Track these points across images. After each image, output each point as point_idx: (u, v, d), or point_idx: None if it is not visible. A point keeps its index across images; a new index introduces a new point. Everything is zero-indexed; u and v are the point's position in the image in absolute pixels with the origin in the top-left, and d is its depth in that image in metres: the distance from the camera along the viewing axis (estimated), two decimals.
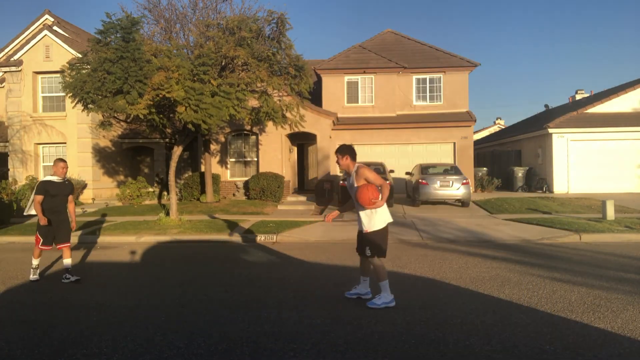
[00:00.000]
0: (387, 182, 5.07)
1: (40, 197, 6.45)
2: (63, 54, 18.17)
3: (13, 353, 3.96)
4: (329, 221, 5.28)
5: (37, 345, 4.11)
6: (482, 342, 4.03)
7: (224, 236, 10.67)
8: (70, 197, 6.84)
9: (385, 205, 5.10)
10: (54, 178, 6.63)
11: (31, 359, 3.83)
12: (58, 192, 6.62)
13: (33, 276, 6.65)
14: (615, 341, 4.02)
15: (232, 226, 11.65)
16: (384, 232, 5.06)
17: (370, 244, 5.03)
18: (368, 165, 17.05)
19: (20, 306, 5.39)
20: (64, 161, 6.70)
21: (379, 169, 16.53)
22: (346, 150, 5.21)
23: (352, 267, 7.30)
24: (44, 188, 6.50)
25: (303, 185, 22.34)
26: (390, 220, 5.14)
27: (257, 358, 3.77)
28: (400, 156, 20.75)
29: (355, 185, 5.05)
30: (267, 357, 3.78)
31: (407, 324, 4.52)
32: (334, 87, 21.18)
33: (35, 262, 6.67)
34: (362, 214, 5.10)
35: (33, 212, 6.64)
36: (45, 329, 4.54)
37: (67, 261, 6.65)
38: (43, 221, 6.35)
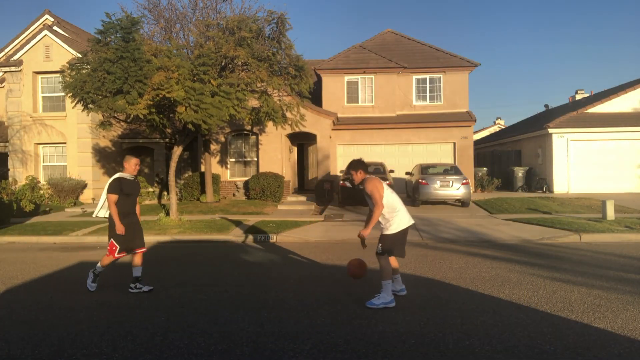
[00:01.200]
0: (383, 197, 5.12)
1: (115, 197, 5.73)
2: (63, 54, 18.18)
3: (13, 353, 3.96)
4: (365, 236, 5.33)
5: (37, 345, 4.11)
6: (482, 342, 4.03)
7: (224, 236, 10.67)
8: (137, 198, 6.21)
9: (401, 212, 5.28)
10: (127, 175, 5.93)
11: (31, 359, 3.83)
12: (132, 191, 5.94)
13: (92, 283, 5.93)
14: (615, 341, 4.02)
15: (232, 226, 11.65)
16: (395, 236, 5.24)
17: (381, 244, 5.25)
18: (367, 165, 17.16)
19: (20, 306, 5.39)
20: (136, 157, 6.10)
21: (379, 169, 16.54)
22: (358, 165, 5.46)
23: None
24: (119, 186, 5.77)
25: (303, 185, 22.34)
26: (404, 226, 5.27)
27: (257, 358, 3.77)
28: (400, 156, 20.75)
29: (368, 193, 5.28)
30: (267, 357, 3.78)
31: (407, 324, 4.52)
32: (334, 87, 21.18)
33: (100, 268, 5.96)
34: (380, 219, 5.32)
35: (102, 214, 5.99)
36: (45, 329, 4.54)
37: (139, 269, 5.98)
38: (120, 228, 5.69)
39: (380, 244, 5.25)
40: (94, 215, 6.13)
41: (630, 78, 46.43)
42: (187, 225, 11.86)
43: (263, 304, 5.29)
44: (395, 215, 5.24)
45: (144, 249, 6.08)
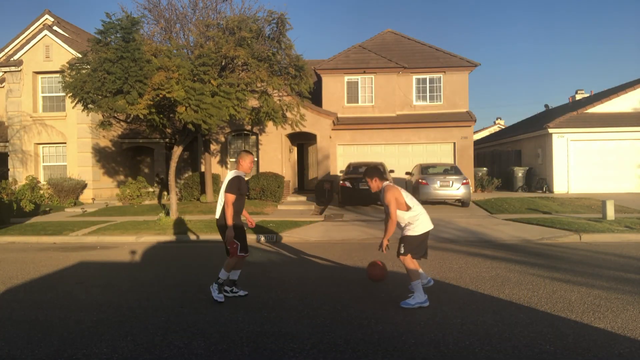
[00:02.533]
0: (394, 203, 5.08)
1: (233, 197, 5.30)
2: (63, 54, 18.18)
3: (13, 353, 3.96)
4: (385, 251, 5.23)
5: (37, 345, 4.11)
6: (482, 342, 4.03)
7: None
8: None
9: (422, 215, 5.22)
10: (242, 174, 5.49)
11: (31, 359, 3.83)
12: (245, 191, 5.57)
13: (219, 294, 5.36)
14: (615, 341, 4.02)
15: None
16: (418, 238, 5.20)
17: (404, 244, 5.19)
18: (367, 165, 17.21)
19: (20, 306, 5.39)
20: (252, 154, 5.70)
21: (379, 168, 16.53)
22: (374, 173, 5.37)
23: (351, 267, 7.30)
24: (238, 185, 5.36)
25: (303, 185, 22.34)
26: (427, 229, 5.23)
27: (257, 358, 3.77)
28: (400, 156, 20.75)
29: (385, 203, 5.19)
30: (267, 357, 3.78)
31: (407, 324, 4.52)
32: (334, 87, 21.18)
33: (225, 274, 5.40)
34: (400, 222, 5.29)
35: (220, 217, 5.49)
36: (45, 329, 4.54)
37: (237, 273, 5.66)
38: (231, 234, 5.28)
39: (402, 244, 5.18)
40: (216, 217, 5.55)
41: (630, 78, 46.45)
42: (187, 225, 11.86)
43: (263, 304, 5.29)
44: (417, 218, 5.17)
45: (248, 254, 5.62)
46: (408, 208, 5.16)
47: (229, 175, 5.44)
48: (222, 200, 5.39)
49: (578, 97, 30.92)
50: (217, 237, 10.70)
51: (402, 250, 5.15)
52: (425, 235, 5.25)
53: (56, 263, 8.04)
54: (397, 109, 21.16)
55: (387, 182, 5.33)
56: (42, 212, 15.66)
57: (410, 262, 5.13)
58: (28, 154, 18.80)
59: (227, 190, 5.31)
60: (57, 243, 10.55)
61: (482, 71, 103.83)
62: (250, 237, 10.40)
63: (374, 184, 5.32)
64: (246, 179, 5.64)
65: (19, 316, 5.01)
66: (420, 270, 5.37)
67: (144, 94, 10.72)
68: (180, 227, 11.57)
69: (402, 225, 5.23)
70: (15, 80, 18.67)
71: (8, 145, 19.03)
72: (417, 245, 5.19)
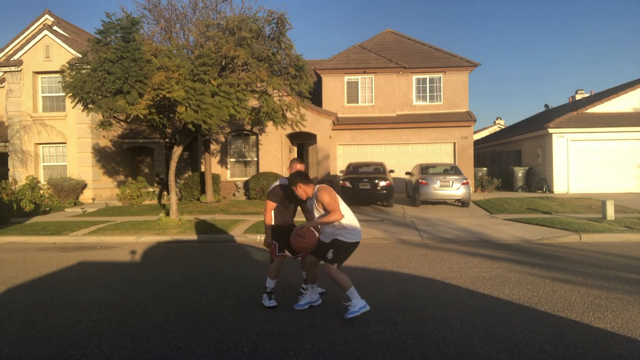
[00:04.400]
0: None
1: (273, 205, 5.23)
2: (63, 54, 18.18)
3: (13, 353, 3.96)
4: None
5: (37, 345, 4.11)
6: (482, 342, 4.03)
7: (224, 236, 10.67)
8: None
9: (355, 224, 4.81)
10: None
11: (31, 359, 3.83)
12: (292, 200, 5.32)
13: (270, 301, 5.20)
14: (615, 341, 4.02)
15: (232, 226, 11.64)
16: (352, 247, 4.82)
17: (333, 250, 4.73)
18: (367, 165, 17.23)
19: (20, 306, 5.39)
20: (302, 162, 5.53)
21: (379, 169, 16.54)
22: (297, 179, 4.86)
23: (351, 267, 7.29)
24: (280, 193, 5.23)
25: None
26: (355, 240, 4.79)
27: (257, 358, 3.77)
28: (400, 156, 20.76)
29: (324, 202, 4.70)
30: (267, 357, 3.78)
31: (407, 324, 4.52)
32: (334, 87, 21.18)
33: (271, 283, 5.24)
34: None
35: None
36: (45, 329, 4.54)
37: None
38: (268, 239, 5.28)
39: (332, 250, 4.70)
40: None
41: (630, 78, 46.45)
42: (187, 225, 11.87)
43: (263, 304, 5.28)
44: (352, 224, 4.78)
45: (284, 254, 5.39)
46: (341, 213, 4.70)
47: (275, 182, 5.35)
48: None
49: (578, 97, 30.92)
50: (217, 237, 10.72)
51: (330, 257, 4.68)
52: (356, 246, 4.83)
53: (56, 263, 8.03)
54: (397, 109, 21.17)
55: (321, 184, 4.88)
56: (42, 212, 15.65)
57: (336, 272, 4.65)
58: (28, 154, 18.80)
59: (267, 197, 5.31)
60: (57, 243, 10.55)
61: (482, 71, 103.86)
62: (251, 237, 10.40)
63: (300, 191, 4.84)
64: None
65: (19, 316, 5.01)
66: (316, 285, 5.12)
67: (144, 94, 10.72)
68: (180, 227, 11.57)
69: (336, 226, 4.73)
70: (15, 80, 18.67)
71: (8, 145, 19.03)
72: (346, 255, 4.81)
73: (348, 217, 4.78)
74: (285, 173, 18.76)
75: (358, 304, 4.62)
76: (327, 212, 4.70)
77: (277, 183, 5.31)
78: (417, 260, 7.76)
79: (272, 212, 5.28)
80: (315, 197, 4.77)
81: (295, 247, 4.76)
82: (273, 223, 5.28)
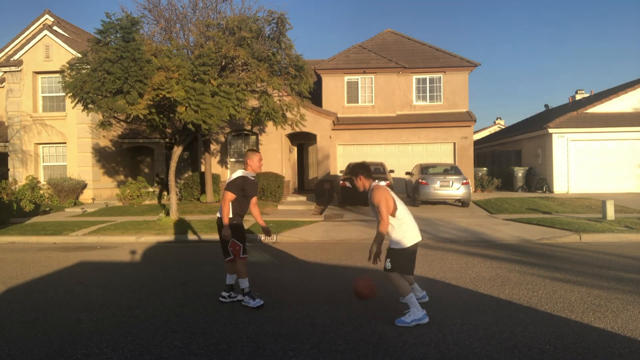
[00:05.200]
0: (385, 182, 4.82)
1: (232, 196, 5.12)
2: (63, 54, 18.18)
3: (13, 353, 3.96)
4: (375, 262, 4.66)
5: (37, 345, 4.11)
6: (482, 342, 4.03)
7: None
8: (255, 199, 5.51)
9: (410, 225, 4.66)
10: (250, 174, 5.28)
11: (31, 359, 3.83)
12: (252, 193, 5.33)
13: (255, 301, 5.12)
14: (615, 341, 4.02)
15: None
16: (405, 252, 4.65)
17: (390, 259, 4.66)
18: (367, 165, 17.16)
19: (20, 306, 5.39)
20: (259, 152, 5.45)
21: (379, 169, 16.54)
22: (359, 170, 4.82)
23: (351, 267, 7.30)
24: (242, 185, 5.16)
25: (303, 185, 22.34)
26: (415, 241, 4.65)
27: (257, 358, 3.77)
28: (400, 156, 20.76)
29: (375, 203, 4.63)
30: (267, 357, 3.78)
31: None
32: (334, 87, 21.18)
33: (245, 282, 5.17)
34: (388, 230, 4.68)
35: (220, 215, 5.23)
36: (45, 329, 4.54)
37: (234, 277, 5.38)
38: (226, 233, 5.12)
39: (388, 259, 4.64)
40: (218, 215, 5.33)
41: (630, 78, 46.43)
42: (187, 225, 11.86)
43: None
44: (404, 227, 4.63)
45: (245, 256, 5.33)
46: (395, 214, 4.59)
47: (235, 173, 5.25)
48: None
49: (578, 97, 30.91)
50: (217, 237, 10.70)
51: (388, 266, 4.61)
52: (414, 248, 4.70)
53: (56, 263, 8.03)
54: (397, 109, 21.16)
55: (376, 181, 4.84)
56: (42, 212, 15.65)
57: (397, 278, 4.58)
58: (28, 154, 18.80)
59: (226, 188, 5.16)
60: (57, 243, 10.55)
61: (482, 71, 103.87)
62: (251, 237, 10.39)
63: (359, 183, 4.82)
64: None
65: (19, 316, 5.01)
66: (414, 285, 4.97)
67: (144, 94, 10.72)
68: (180, 227, 11.57)
69: (390, 233, 4.64)
70: (15, 80, 18.67)
71: (8, 145, 19.03)
72: (406, 261, 4.66)
73: (398, 221, 4.58)
74: (286, 173, 18.77)
75: (413, 315, 4.45)
76: (376, 215, 4.58)
77: (239, 174, 5.19)
78: (417, 260, 7.70)
79: (230, 204, 5.14)
80: (370, 197, 4.68)
81: (361, 292, 5.11)
82: (231, 216, 5.16)
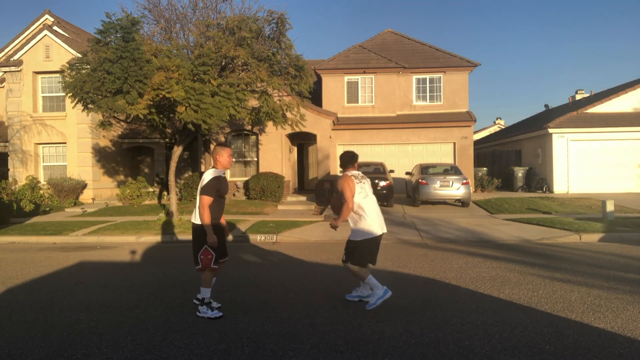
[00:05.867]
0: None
1: (210, 200, 4.71)
2: (63, 54, 18.18)
3: (13, 353, 3.96)
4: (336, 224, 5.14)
5: (37, 345, 4.11)
6: (482, 342, 4.03)
7: None
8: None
9: (368, 219, 4.96)
10: (221, 172, 4.84)
11: (31, 359, 3.83)
12: (225, 192, 4.93)
13: (212, 312, 4.80)
14: (615, 341, 4.02)
15: (232, 226, 11.64)
16: (362, 244, 4.96)
17: (346, 251, 5.06)
18: (367, 165, 17.23)
19: (20, 306, 5.39)
20: (228, 146, 4.97)
21: (379, 169, 16.53)
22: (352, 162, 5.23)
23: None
24: (217, 187, 4.74)
25: (303, 185, 22.33)
26: (370, 235, 4.95)
27: (257, 358, 3.77)
28: (400, 156, 20.75)
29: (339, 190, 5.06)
30: (267, 357, 3.78)
31: (407, 323, 4.52)
32: (334, 87, 21.18)
33: (207, 291, 4.83)
34: (349, 218, 5.08)
35: (197, 220, 4.80)
36: (45, 329, 4.54)
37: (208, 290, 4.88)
38: (212, 239, 4.68)
39: (345, 251, 5.01)
40: (192, 220, 4.92)
41: (630, 78, 46.42)
42: (187, 225, 11.86)
43: (263, 304, 5.29)
44: (362, 224, 4.97)
45: (226, 259, 5.07)
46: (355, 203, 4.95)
47: (206, 175, 4.80)
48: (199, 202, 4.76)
49: (578, 97, 30.91)
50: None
51: (344, 258, 5.04)
52: (370, 243, 4.94)
53: (56, 263, 8.03)
54: (397, 109, 21.16)
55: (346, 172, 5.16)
56: (42, 212, 15.65)
57: (351, 267, 4.96)
58: (28, 154, 18.80)
59: (202, 192, 4.69)
60: (57, 243, 10.55)
61: (482, 71, 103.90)
62: (251, 237, 10.39)
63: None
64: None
65: (19, 316, 5.01)
66: (373, 280, 4.95)
67: (144, 94, 10.72)
68: (180, 227, 11.56)
69: (351, 224, 5.03)
70: (15, 80, 18.67)
71: (8, 145, 19.03)
72: (359, 254, 4.96)
73: (358, 216, 4.95)
74: (286, 173, 18.77)
75: (376, 294, 4.84)
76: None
77: (212, 175, 4.74)
78: (417, 260, 7.76)
79: (209, 207, 4.72)
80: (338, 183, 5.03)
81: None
82: (193, 222, 4.85)
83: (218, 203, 4.82)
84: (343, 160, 5.19)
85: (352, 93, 21.32)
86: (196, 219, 4.81)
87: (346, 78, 21.21)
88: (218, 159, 4.80)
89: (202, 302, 4.86)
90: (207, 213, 4.68)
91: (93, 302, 5.46)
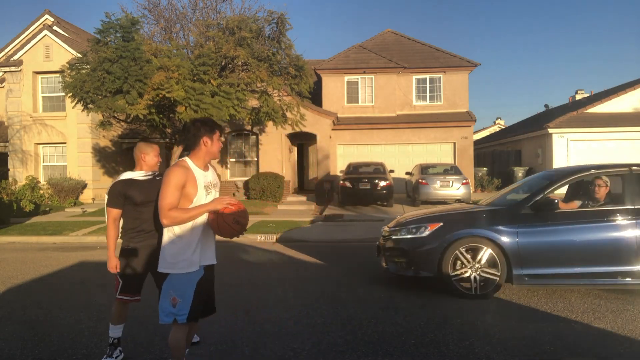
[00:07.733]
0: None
1: (116, 212, 3.67)
2: (63, 54, 18.17)
3: (13, 353, 3.96)
4: None
5: (37, 345, 4.11)
6: (482, 342, 4.03)
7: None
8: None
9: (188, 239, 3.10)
10: (138, 174, 3.69)
11: (31, 359, 3.83)
12: (147, 198, 3.58)
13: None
14: (615, 341, 4.02)
15: None
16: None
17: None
18: (367, 165, 17.26)
19: (20, 306, 5.39)
20: (154, 144, 3.85)
21: (379, 169, 16.54)
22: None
23: (352, 267, 7.30)
24: (122, 192, 3.60)
25: (303, 185, 22.34)
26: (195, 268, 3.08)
27: (257, 358, 3.77)
28: (400, 156, 20.76)
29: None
30: (267, 357, 3.78)
31: (407, 323, 4.52)
32: (334, 87, 21.18)
33: (116, 330, 3.74)
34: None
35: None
36: (45, 329, 4.53)
37: (121, 327, 3.80)
38: (112, 264, 3.77)
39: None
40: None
41: (630, 78, 46.38)
42: None
43: (263, 304, 5.29)
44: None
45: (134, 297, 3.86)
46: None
47: (120, 176, 3.76)
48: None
49: (578, 97, 30.92)
50: (216, 237, 10.69)
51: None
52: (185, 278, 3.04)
53: (56, 263, 8.03)
54: (397, 109, 21.16)
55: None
56: (42, 212, 15.65)
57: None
58: (28, 154, 18.79)
59: (107, 204, 3.66)
60: (57, 243, 10.54)
61: (482, 71, 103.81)
62: (251, 237, 10.38)
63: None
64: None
65: (19, 316, 5.00)
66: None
67: (144, 93, 10.73)
68: None
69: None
70: (15, 80, 18.66)
71: (8, 145, 19.02)
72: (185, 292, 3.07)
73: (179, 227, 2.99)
74: (286, 173, 18.77)
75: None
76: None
77: (119, 178, 3.70)
78: None
79: (115, 222, 3.70)
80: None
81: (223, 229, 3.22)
82: (121, 240, 3.73)
83: (134, 214, 3.64)
84: None
85: (352, 93, 21.33)
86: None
87: (346, 78, 21.21)
88: (144, 158, 3.69)
89: (108, 342, 3.75)
90: (112, 230, 3.68)
91: (93, 302, 5.46)
